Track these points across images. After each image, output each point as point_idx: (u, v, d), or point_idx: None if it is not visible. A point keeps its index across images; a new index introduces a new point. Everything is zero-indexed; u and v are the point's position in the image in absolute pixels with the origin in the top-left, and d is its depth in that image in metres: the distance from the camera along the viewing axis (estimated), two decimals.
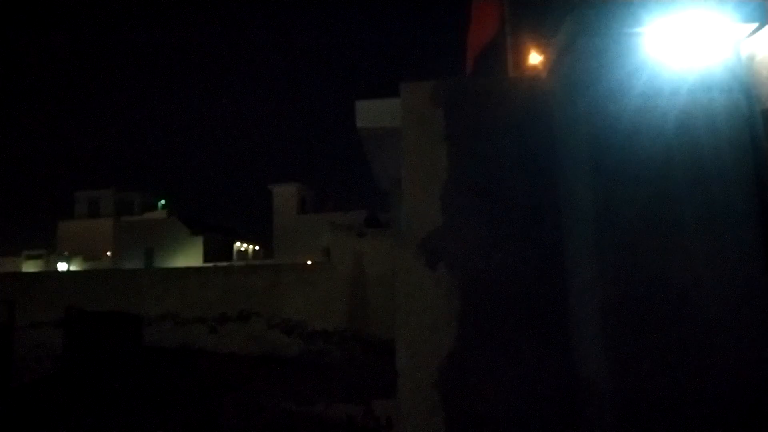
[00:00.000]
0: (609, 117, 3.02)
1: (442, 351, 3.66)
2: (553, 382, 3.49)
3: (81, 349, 16.08)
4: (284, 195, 30.74)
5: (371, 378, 13.39)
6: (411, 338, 3.75)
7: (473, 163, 3.94)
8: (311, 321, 17.27)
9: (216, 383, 14.31)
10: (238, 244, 34.92)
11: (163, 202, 37.88)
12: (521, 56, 5.19)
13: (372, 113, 5.87)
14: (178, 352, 17.31)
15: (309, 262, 20.74)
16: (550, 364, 3.52)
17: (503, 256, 3.76)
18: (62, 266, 32.73)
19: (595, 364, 3.06)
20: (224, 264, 26.38)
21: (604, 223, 2.99)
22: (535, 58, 4.66)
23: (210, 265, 25.53)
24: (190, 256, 31.17)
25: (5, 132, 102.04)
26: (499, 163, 3.88)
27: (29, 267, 33.38)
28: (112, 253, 33.19)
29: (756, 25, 2.97)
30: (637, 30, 3.03)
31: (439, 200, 3.90)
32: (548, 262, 3.67)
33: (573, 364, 3.44)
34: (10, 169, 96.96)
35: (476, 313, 3.71)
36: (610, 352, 2.91)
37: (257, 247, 36.66)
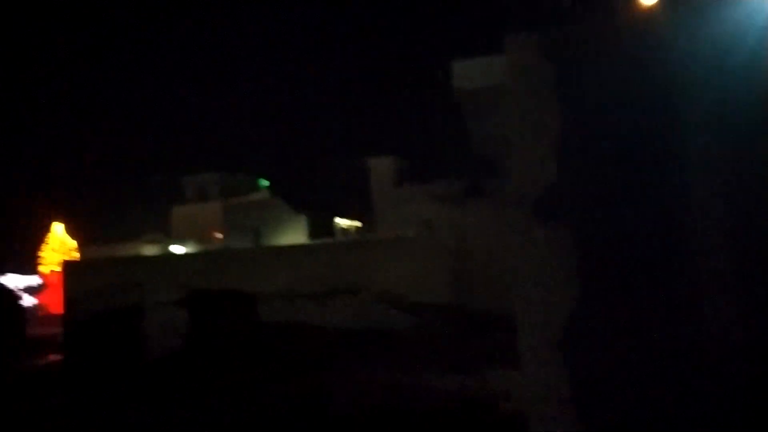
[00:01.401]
0: (726, 59, 2.83)
1: (562, 311, 3.63)
2: (679, 337, 3.37)
3: (202, 327, 17.57)
4: (381, 168, 31.01)
5: (480, 350, 13.43)
6: (528, 301, 3.75)
7: (586, 115, 3.81)
8: (415, 294, 17.54)
9: (326, 355, 15.02)
10: (339, 220, 35.94)
11: (266, 183, 39.77)
12: None
13: (471, 73, 5.79)
14: (290, 326, 18.30)
15: (410, 235, 20.97)
16: (675, 320, 3.39)
17: (621, 211, 3.64)
18: (178, 249, 35.46)
19: (727, 317, 2.93)
20: (328, 241, 27.33)
21: (726, 172, 2.82)
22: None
23: (314, 242, 26.57)
24: (294, 235, 32.50)
25: (120, 129, 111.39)
26: (614, 113, 3.73)
27: (148, 251, 36.47)
28: (222, 235, 35.41)
29: None
30: None
31: (550, 156, 3.83)
32: (670, 216, 3.51)
33: (699, 318, 3.30)
34: (124, 161, 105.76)
35: (595, 271, 3.63)
36: (743, 304, 2.77)
37: (358, 223, 37.53)
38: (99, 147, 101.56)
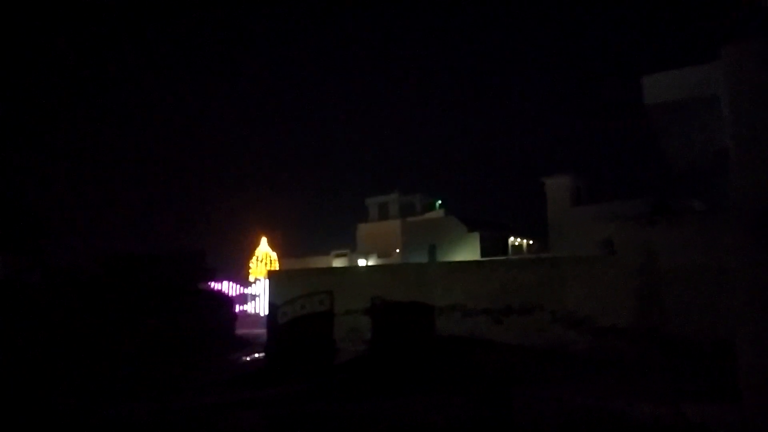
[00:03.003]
0: None
1: None
2: None
3: (385, 334, 18.29)
4: (557, 187, 29.97)
5: (673, 380, 12.16)
6: (756, 330, 3.32)
7: None
8: (597, 316, 16.45)
9: (503, 373, 14.67)
10: (512, 238, 35.26)
11: (439, 202, 40.68)
12: None
13: (664, 86, 5.37)
14: (466, 341, 18.25)
15: (589, 255, 19.78)
16: None
17: None
18: (362, 262, 37.49)
19: None
20: (501, 258, 26.91)
21: None
22: None
23: (488, 259, 26.32)
24: (468, 252, 32.60)
25: (314, 160, 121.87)
26: None
27: (337, 263, 39.06)
28: (400, 250, 36.73)
29: None
30: None
31: None
32: None
33: None
34: (321, 185, 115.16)
35: None
36: None
37: (531, 242, 36.45)
38: (299, 174, 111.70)
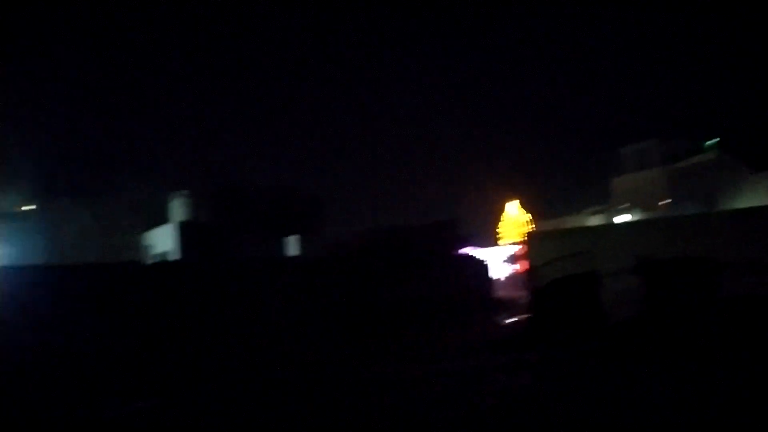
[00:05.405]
0: None
1: None
2: None
3: (656, 295, 16.70)
4: None
5: None
6: None
7: None
8: None
9: None
10: None
11: (715, 141, 35.17)
12: None
13: None
14: (763, 302, 15.63)
15: None
16: None
17: None
18: (621, 218, 34.85)
19: None
20: None
21: None
22: None
23: None
24: (753, 198, 27.85)
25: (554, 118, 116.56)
26: None
27: (593, 221, 37.04)
28: (666, 202, 33.25)
29: None
30: None
31: None
32: None
33: None
34: (566, 139, 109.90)
35: None
36: None
37: None
38: (543, 130, 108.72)
